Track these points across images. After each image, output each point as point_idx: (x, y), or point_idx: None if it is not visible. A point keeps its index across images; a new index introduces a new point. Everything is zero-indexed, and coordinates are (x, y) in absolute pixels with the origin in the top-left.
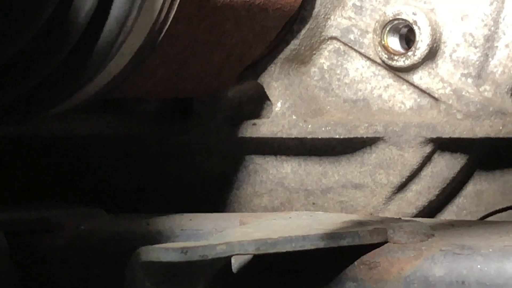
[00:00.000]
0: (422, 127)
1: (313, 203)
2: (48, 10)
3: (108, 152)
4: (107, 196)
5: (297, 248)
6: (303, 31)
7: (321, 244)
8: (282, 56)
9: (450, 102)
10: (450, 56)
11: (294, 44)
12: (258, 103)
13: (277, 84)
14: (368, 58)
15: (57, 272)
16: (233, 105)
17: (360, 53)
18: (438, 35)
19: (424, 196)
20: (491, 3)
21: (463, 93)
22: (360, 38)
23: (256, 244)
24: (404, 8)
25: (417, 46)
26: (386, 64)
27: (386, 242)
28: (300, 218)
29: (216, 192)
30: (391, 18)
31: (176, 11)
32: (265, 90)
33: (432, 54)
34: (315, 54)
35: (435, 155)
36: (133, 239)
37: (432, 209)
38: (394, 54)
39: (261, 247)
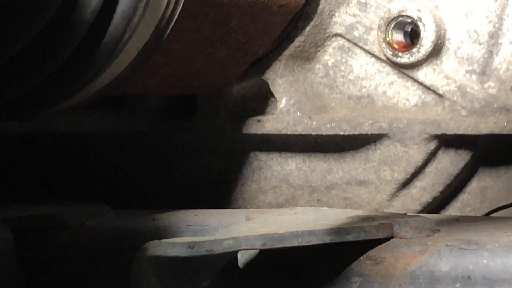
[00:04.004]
0: (426, 123)
1: (318, 200)
2: (55, 6)
3: (112, 149)
4: (112, 193)
5: (304, 243)
6: (307, 28)
7: (327, 239)
8: (286, 53)
9: (455, 98)
10: (455, 52)
11: (298, 41)
12: (262, 100)
13: (281, 81)
14: (373, 55)
15: (62, 268)
16: (238, 102)
17: (365, 50)
18: (443, 31)
19: (428, 193)
20: (495, 0)
21: (468, 89)
22: (364, 35)
23: (262, 239)
24: (408, 4)
25: (422, 43)
26: (391, 61)
27: (391, 237)
28: (305, 214)
29: (221, 189)
30: (395, 15)
31: (181, 8)
32: (270, 86)
33: (436, 50)
34: (319, 51)
35: (440, 152)
36: (138, 235)
37: (436, 205)
38: (399, 51)
39: (268, 242)
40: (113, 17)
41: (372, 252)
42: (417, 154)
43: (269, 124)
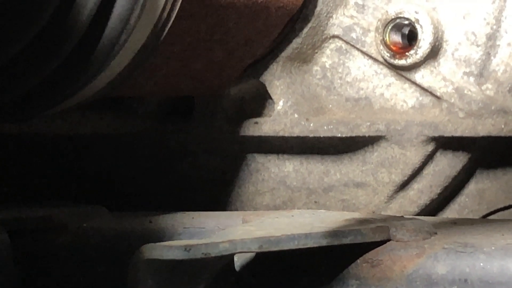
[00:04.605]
0: (424, 125)
1: (315, 202)
2: (51, 7)
3: (110, 151)
4: (109, 195)
5: (300, 246)
6: (305, 30)
7: (324, 242)
8: (284, 54)
9: (452, 100)
10: (452, 54)
11: (296, 42)
12: (260, 101)
13: (279, 83)
14: (370, 57)
15: (59, 270)
16: (235, 103)
17: (362, 52)
18: (440, 33)
19: (426, 195)
20: (493, 2)
21: (465, 91)
22: (362, 37)
23: (259, 242)
24: (406, 6)
25: (419, 45)
26: (388, 63)
27: (388, 240)
28: (302, 216)
29: (218, 191)
30: (393, 17)
31: (178, 9)
32: (267, 88)
33: (434, 52)
34: (317, 52)
35: (437, 154)
36: (135, 237)
37: (434, 207)
38: (396, 53)
39: (264, 245)
40: (109, 18)
41: (369, 255)
42: (414, 156)
43: (266, 126)
